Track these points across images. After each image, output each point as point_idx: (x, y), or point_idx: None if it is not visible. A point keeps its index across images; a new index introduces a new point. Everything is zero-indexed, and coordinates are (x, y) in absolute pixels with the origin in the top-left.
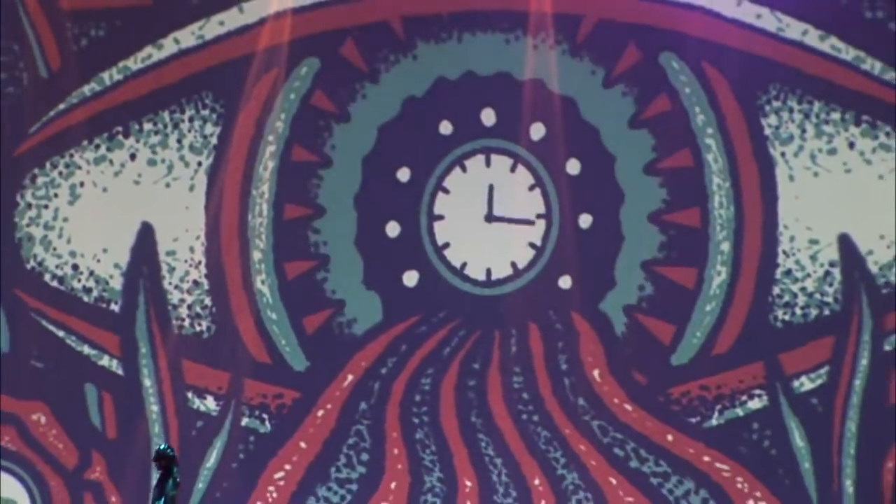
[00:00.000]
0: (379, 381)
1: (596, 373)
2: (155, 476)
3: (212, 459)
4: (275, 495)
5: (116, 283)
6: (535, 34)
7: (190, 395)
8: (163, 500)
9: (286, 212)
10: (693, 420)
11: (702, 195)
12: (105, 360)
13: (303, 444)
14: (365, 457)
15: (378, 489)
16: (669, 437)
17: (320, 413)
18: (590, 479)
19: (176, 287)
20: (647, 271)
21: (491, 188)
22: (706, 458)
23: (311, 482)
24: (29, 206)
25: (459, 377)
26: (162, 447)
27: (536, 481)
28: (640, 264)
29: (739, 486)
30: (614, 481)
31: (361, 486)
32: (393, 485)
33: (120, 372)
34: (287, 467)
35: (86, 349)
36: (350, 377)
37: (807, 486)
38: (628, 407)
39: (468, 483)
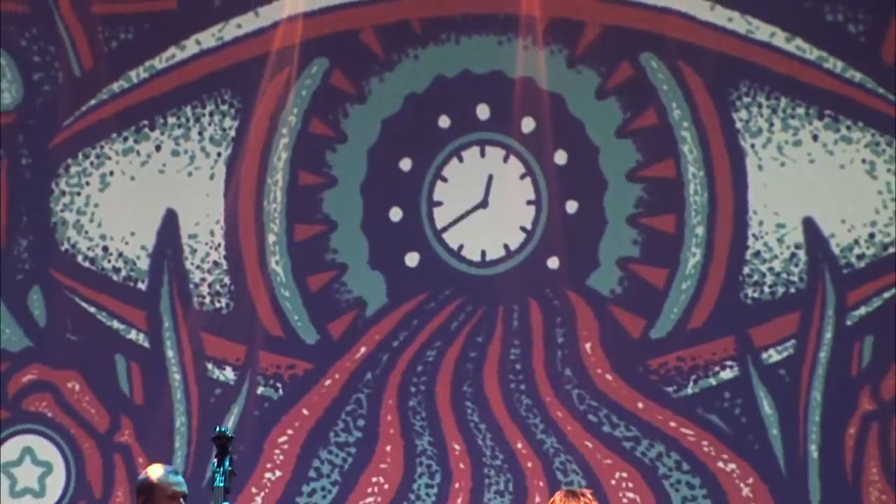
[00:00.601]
0: (388, 353)
1: (588, 346)
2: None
3: (230, 424)
4: (281, 458)
5: (143, 264)
6: (525, 36)
7: (210, 365)
8: (223, 473)
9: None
10: (670, 389)
11: (678, 185)
12: (133, 334)
13: (305, 411)
14: (361, 422)
15: (375, 452)
16: (640, 405)
17: (328, 382)
18: (567, 442)
19: (197, 267)
20: (623, 263)
21: (490, 178)
22: (672, 424)
23: (313, 446)
24: (63, 193)
25: (462, 349)
26: (221, 429)
27: (519, 445)
28: (614, 257)
29: (706, 449)
30: (590, 445)
31: (359, 449)
32: (388, 447)
33: (146, 344)
34: (290, 432)
35: (115, 324)
36: (363, 349)
37: (775, 451)
38: (609, 377)
39: (457, 447)
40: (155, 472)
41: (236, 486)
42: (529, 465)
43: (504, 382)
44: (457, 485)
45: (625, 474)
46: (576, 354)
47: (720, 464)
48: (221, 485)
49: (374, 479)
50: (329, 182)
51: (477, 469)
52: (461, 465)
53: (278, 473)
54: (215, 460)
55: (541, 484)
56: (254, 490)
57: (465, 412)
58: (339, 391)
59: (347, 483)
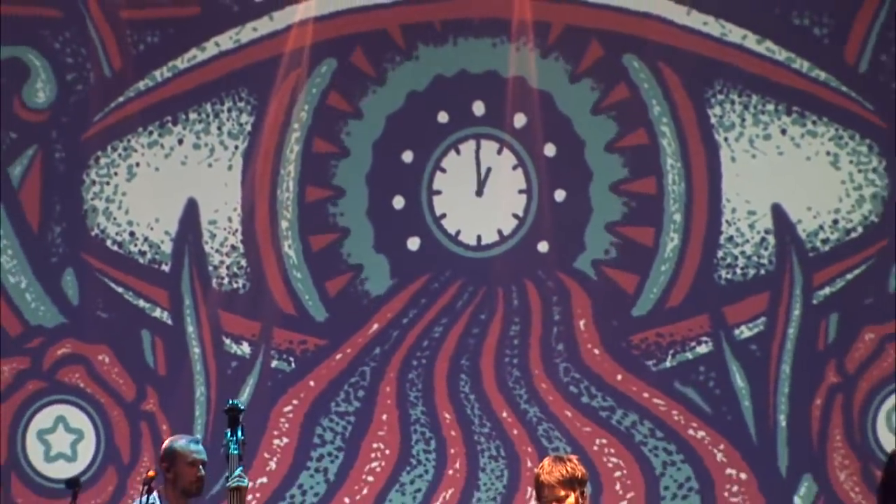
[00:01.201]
0: (398, 330)
1: (582, 323)
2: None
3: (245, 394)
4: (286, 426)
5: (167, 248)
6: (517, 39)
7: (227, 340)
8: (236, 442)
9: (308, 194)
10: (650, 363)
11: (658, 174)
12: (157, 312)
13: (311, 383)
14: (361, 393)
15: (373, 420)
16: (619, 377)
17: (338, 356)
18: (549, 412)
19: (216, 251)
20: (612, 232)
21: (489, 170)
22: (645, 395)
23: (315, 415)
24: (93, 182)
25: (467, 326)
26: (233, 402)
27: (504, 413)
28: (598, 241)
29: (676, 418)
30: (569, 414)
31: (358, 418)
32: (384, 416)
33: (169, 321)
34: (294, 402)
35: (141, 303)
36: (375, 326)
37: (746, 420)
38: (596, 351)
39: (447, 416)
40: (177, 440)
41: (250, 451)
42: (515, 432)
43: (500, 357)
44: (452, 450)
45: (604, 441)
46: (570, 331)
47: (690, 431)
48: (235, 453)
49: (374, 445)
50: (338, 172)
51: (468, 436)
52: (452, 433)
53: (285, 440)
54: (228, 430)
55: (529, 450)
56: (266, 455)
57: (458, 384)
58: (348, 364)
59: (351, 449)
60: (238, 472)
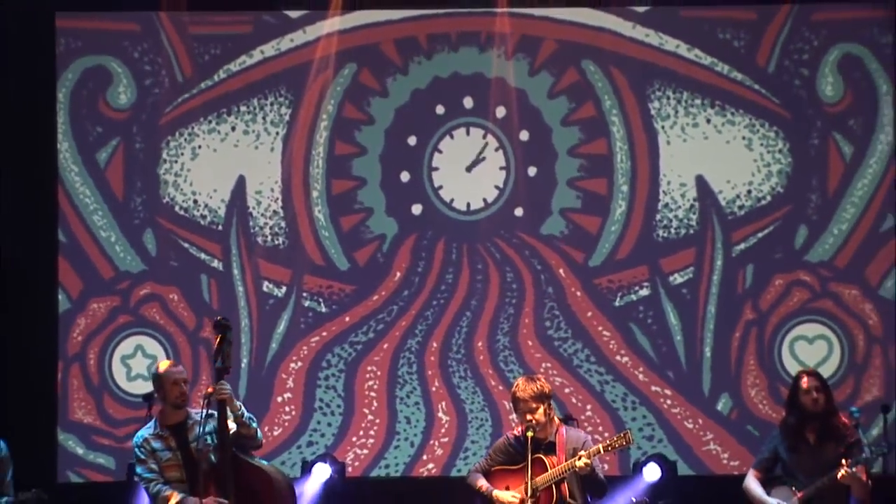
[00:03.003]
0: (418, 277)
1: (561, 271)
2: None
3: (280, 327)
4: (304, 351)
5: (221, 213)
6: (498, 48)
7: (266, 284)
8: (222, 355)
9: (333, 172)
10: (604, 302)
11: (609, 155)
12: (214, 262)
13: (347, 319)
14: (381, 327)
15: (374, 348)
16: (589, 314)
17: (375, 297)
18: (516, 342)
19: (261, 215)
20: (571, 204)
21: (483, 158)
22: (599, 328)
23: (333, 344)
24: (164, 161)
25: (471, 274)
26: (219, 318)
27: (479, 343)
28: (562, 207)
29: (611, 346)
30: (530, 343)
31: (364, 346)
32: (385, 345)
33: (221, 268)
34: (324, 334)
35: (202, 255)
36: (398, 274)
37: (678, 351)
38: (578, 294)
39: (434, 344)
40: (160, 366)
41: (271, 372)
42: (481, 358)
43: (500, 294)
44: (432, 358)
45: (549, 364)
46: (555, 279)
47: (618, 357)
48: (221, 364)
49: (369, 369)
50: (357, 154)
51: (444, 359)
52: (434, 345)
53: (300, 364)
54: (216, 349)
55: (490, 371)
56: (283, 376)
57: (460, 321)
58: (381, 304)
59: (351, 370)
60: (220, 384)
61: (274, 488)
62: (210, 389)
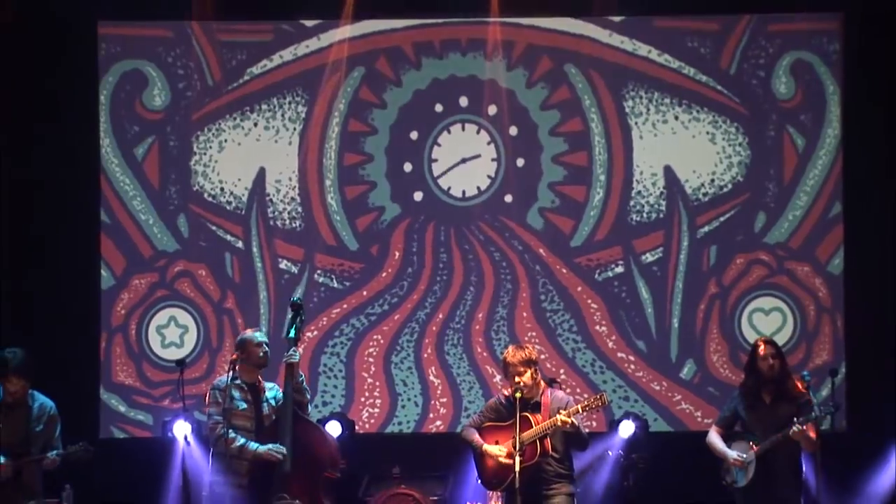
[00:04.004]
0: (416, 256)
1: (541, 251)
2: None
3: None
4: (324, 321)
5: (244, 199)
6: (491, 53)
7: (282, 262)
8: (295, 329)
9: (345, 161)
10: (587, 276)
11: (588, 147)
12: (238, 243)
13: (364, 293)
14: (395, 300)
15: (385, 319)
16: (579, 289)
17: (384, 274)
18: (512, 315)
19: (280, 201)
20: (555, 191)
21: (478, 155)
22: (588, 301)
23: (350, 315)
24: (195, 153)
25: (462, 251)
26: (295, 298)
27: (480, 315)
28: (547, 190)
29: (595, 317)
30: (525, 315)
31: (378, 317)
32: (396, 316)
33: (242, 247)
34: (344, 306)
35: (228, 237)
36: (397, 253)
37: (649, 322)
38: (564, 270)
39: (440, 315)
40: (246, 332)
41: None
42: (476, 327)
43: (492, 259)
44: (434, 328)
45: (533, 333)
46: (538, 257)
47: (597, 327)
48: (292, 336)
49: (375, 338)
50: (365, 147)
51: (444, 329)
52: (440, 316)
53: (315, 332)
54: (290, 322)
55: (480, 340)
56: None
57: (444, 262)
58: (392, 279)
59: (358, 339)
60: (291, 351)
61: (319, 441)
62: (234, 356)
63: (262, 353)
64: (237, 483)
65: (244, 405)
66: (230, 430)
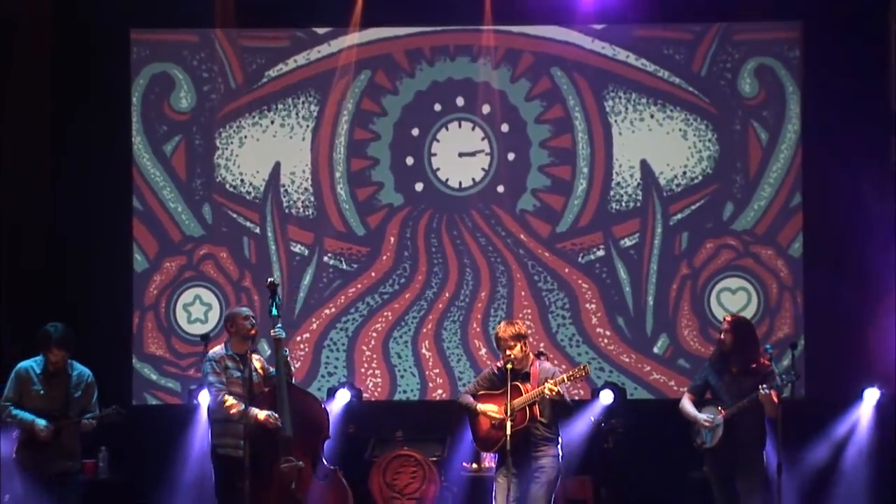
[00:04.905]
0: (411, 241)
1: (522, 236)
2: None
3: (306, 280)
4: (342, 300)
5: (261, 189)
6: (484, 57)
7: (293, 245)
8: (275, 307)
9: (352, 154)
10: (572, 259)
11: (572, 142)
12: (255, 228)
13: (373, 274)
14: (403, 280)
15: (397, 297)
16: (566, 270)
17: (384, 257)
18: (512, 290)
19: (294, 191)
20: (542, 181)
21: (475, 152)
22: (577, 280)
23: (364, 294)
24: (218, 147)
25: (453, 233)
26: (271, 279)
27: (483, 294)
28: (535, 182)
29: (586, 295)
30: (523, 293)
31: (390, 295)
32: (407, 295)
33: (258, 231)
34: (359, 286)
35: (247, 223)
36: (392, 239)
37: (626, 300)
38: (547, 254)
39: (446, 294)
40: (233, 308)
41: (315, 307)
42: (479, 305)
43: (484, 247)
44: (440, 305)
45: (529, 311)
46: (520, 242)
47: (587, 305)
48: (276, 313)
49: (385, 314)
50: (371, 142)
51: (449, 307)
52: (446, 294)
53: (333, 309)
54: (270, 299)
55: (479, 317)
56: (313, 320)
57: (462, 256)
58: (392, 262)
59: (370, 315)
60: (277, 328)
61: (313, 408)
62: (272, 332)
63: (249, 325)
64: (235, 445)
65: (237, 373)
66: (231, 397)
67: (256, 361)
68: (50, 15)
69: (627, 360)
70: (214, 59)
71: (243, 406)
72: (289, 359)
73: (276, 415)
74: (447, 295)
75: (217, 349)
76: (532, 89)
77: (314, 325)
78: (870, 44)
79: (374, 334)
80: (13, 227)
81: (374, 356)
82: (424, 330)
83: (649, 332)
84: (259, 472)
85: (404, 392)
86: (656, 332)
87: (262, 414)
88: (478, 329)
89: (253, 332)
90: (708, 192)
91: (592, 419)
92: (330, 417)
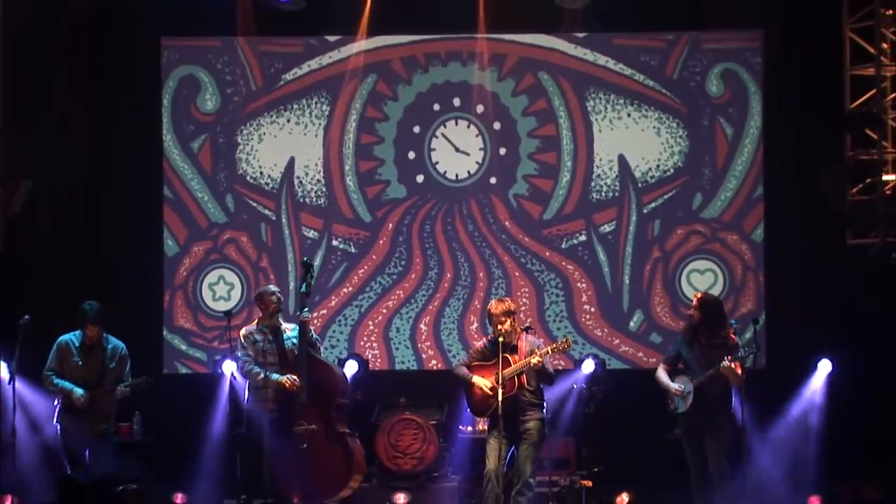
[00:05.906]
0: (407, 227)
1: (506, 224)
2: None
3: (316, 261)
4: (355, 280)
5: (278, 180)
6: (478, 62)
7: (304, 230)
8: (306, 285)
9: (360, 151)
10: (556, 244)
11: (557, 138)
12: (271, 215)
13: (374, 257)
14: (403, 263)
15: (403, 279)
16: (547, 254)
17: (381, 241)
18: (505, 271)
19: (308, 182)
20: (528, 181)
21: (464, 154)
22: (562, 262)
23: (373, 275)
24: (239, 143)
25: (447, 220)
26: (305, 259)
27: (480, 274)
28: (524, 174)
29: (574, 277)
30: (517, 273)
31: (396, 277)
32: (413, 276)
33: (274, 218)
34: (366, 267)
35: (266, 211)
36: (391, 225)
37: (605, 280)
38: (527, 239)
39: (449, 275)
40: (260, 287)
41: (322, 287)
42: (480, 284)
43: (475, 238)
44: (445, 285)
45: (526, 290)
46: (506, 230)
47: (577, 284)
48: (305, 291)
49: (397, 292)
50: (377, 139)
51: (453, 287)
52: (448, 275)
53: (350, 288)
54: (301, 279)
55: (481, 295)
56: (334, 298)
57: (454, 248)
58: (388, 246)
59: (384, 295)
60: (305, 311)
61: (329, 377)
62: (299, 315)
63: (275, 299)
64: (268, 408)
65: (268, 345)
66: (255, 367)
67: (293, 331)
68: (90, 24)
69: (600, 333)
70: (236, 64)
71: (263, 373)
72: (315, 337)
73: (296, 378)
74: (449, 275)
75: (247, 327)
76: (521, 90)
77: (332, 303)
78: (825, 48)
79: (385, 310)
80: (58, 216)
81: (376, 331)
82: (430, 307)
83: (625, 309)
84: (279, 433)
85: (403, 363)
86: (632, 308)
87: (280, 377)
88: (478, 306)
89: (278, 304)
90: (679, 183)
91: (575, 386)
92: (348, 385)
